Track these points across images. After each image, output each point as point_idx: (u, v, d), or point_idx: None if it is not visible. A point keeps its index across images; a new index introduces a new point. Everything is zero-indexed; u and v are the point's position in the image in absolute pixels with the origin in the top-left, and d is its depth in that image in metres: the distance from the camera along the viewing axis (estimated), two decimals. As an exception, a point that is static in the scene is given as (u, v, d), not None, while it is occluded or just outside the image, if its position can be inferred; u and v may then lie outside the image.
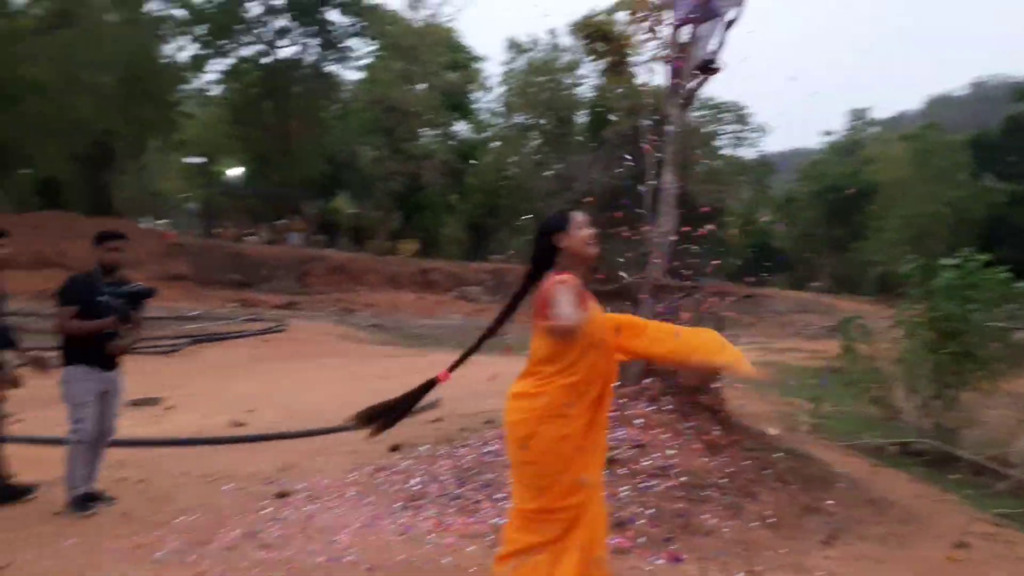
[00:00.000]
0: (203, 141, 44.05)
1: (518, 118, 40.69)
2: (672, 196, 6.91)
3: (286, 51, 35.18)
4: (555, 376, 3.36)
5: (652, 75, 7.86)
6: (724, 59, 6.85)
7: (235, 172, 44.28)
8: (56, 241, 25.12)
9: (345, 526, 5.14)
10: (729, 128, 50.95)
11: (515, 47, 38.99)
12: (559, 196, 34.48)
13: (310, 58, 35.75)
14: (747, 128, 51.65)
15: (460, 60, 39.26)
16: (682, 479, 5.55)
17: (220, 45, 34.02)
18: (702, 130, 44.40)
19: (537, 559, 3.32)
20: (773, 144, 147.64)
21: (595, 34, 6.64)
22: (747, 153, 53.19)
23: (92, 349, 5.43)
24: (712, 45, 6.86)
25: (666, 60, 6.97)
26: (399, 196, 39.05)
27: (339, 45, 35.23)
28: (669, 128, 6.95)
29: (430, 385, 3.63)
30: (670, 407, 6.31)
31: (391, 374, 11.82)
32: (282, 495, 5.80)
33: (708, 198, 34.63)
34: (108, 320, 5.38)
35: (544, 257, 3.50)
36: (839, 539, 5.28)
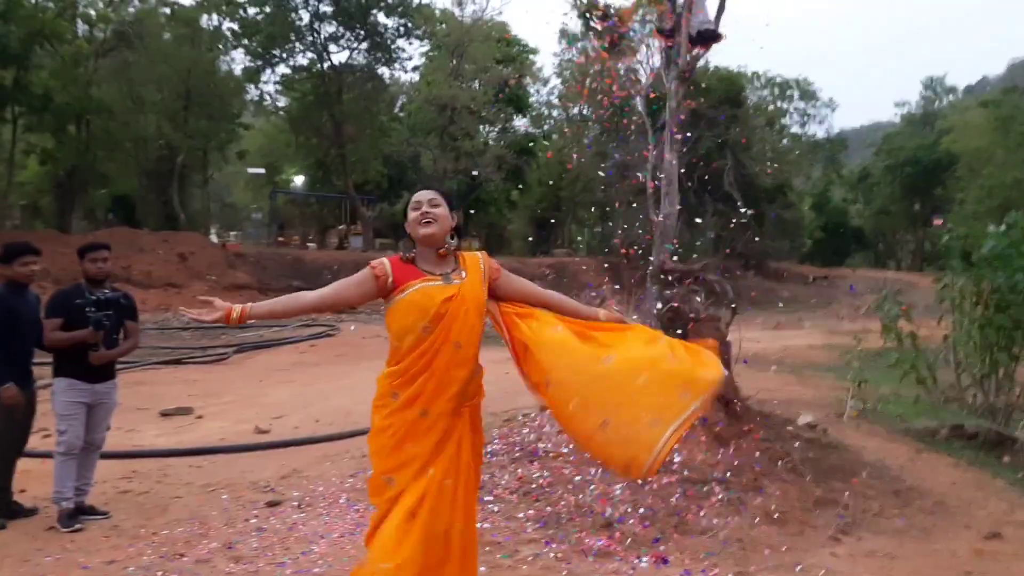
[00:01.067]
0: (266, 151, 44.95)
1: (575, 109, 40.24)
2: (675, 177, 6.55)
3: (337, 57, 35.57)
4: (387, 364, 3.19)
5: (651, 50, 7.46)
6: (723, 27, 6.47)
7: (298, 180, 45.05)
8: (121, 256, 25.79)
9: (325, 535, 4.99)
10: (796, 106, 49.53)
11: (567, 36, 38.64)
12: (619, 185, 34.02)
13: (361, 62, 36.00)
14: (815, 104, 50.16)
15: (512, 54, 39.07)
16: (682, 474, 5.24)
17: (272, 55, 34.54)
18: (768, 108, 43.32)
19: None
20: (847, 119, 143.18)
21: (592, 10, 6.30)
22: (816, 130, 51.61)
23: (77, 361, 5.39)
24: (710, 13, 6.48)
25: (662, 32, 6.61)
26: (459, 194, 39.03)
27: (389, 47, 35.35)
28: (669, 104, 6.58)
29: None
30: (677, 398, 5.97)
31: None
32: (272, 504, 5.68)
33: (772, 179, 33.77)
34: (85, 331, 5.32)
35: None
36: (850, 534, 4.90)
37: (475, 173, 34.69)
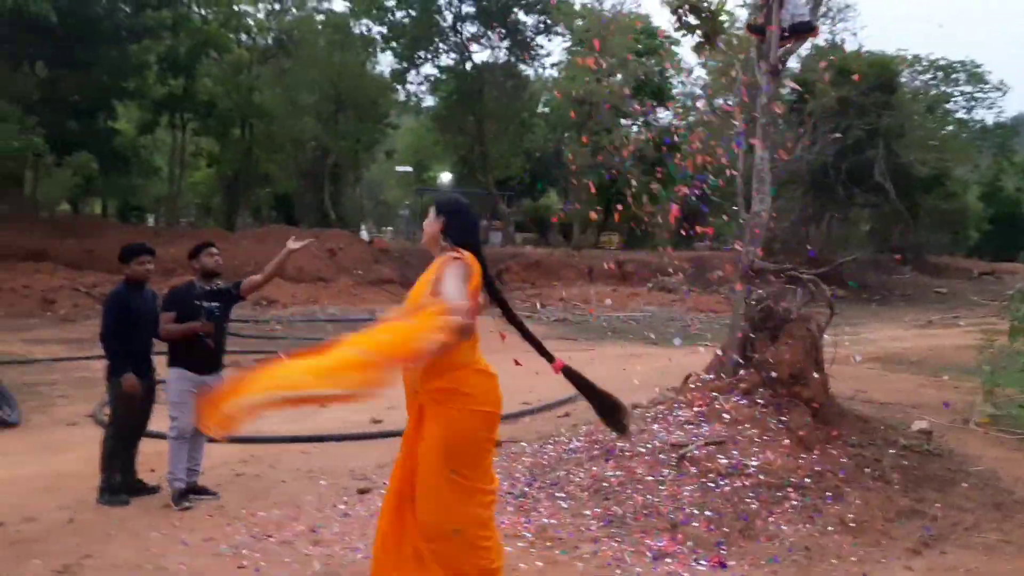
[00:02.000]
0: (415, 149, 46.39)
1: (720, 100, 39.28)
2: (766, 173, 6.39)
3: (479, 56, 36.39)
4: None
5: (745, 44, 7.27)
6: (818, 20, 6.25)
7: (445, 177, 46.27)
8: (275, 252, 27.29)
9: (402, 523, 5.22)
10: (962, 90, 46.25)
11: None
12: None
13: (501, 60, 36.66)
14: (984, 88, 46.68)
15: (654, 45, 38.59)
16: (758, 478, 5.15)
17: (418, 57, 35.68)
18: (929, 93, 40.79)
19: None
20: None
21: (684, 5, 6.12)
22: (985, 115, 48.08)
23: (189, 353, 5.86)
24: (805, 5, 6.28)
25: (753, 25, 6.46)
26: (599, 189, 39.00)
27: (528, 44, 35.83)
28: (760, 99, 6.43)
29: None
30: (763, 401, 5.87)
31: (544, 369, 11.78)
32: (363, 491, 5.98)
33: (930, 168, 31.79)
34: (196, 323, 5.77)
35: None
36: (933, 547, 4.68)
37: (616, 167, 34.57)
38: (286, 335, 18.41)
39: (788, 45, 6.38)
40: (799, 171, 30.00)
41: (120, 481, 6.00)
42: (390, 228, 56.10)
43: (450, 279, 3.28)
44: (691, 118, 46.96)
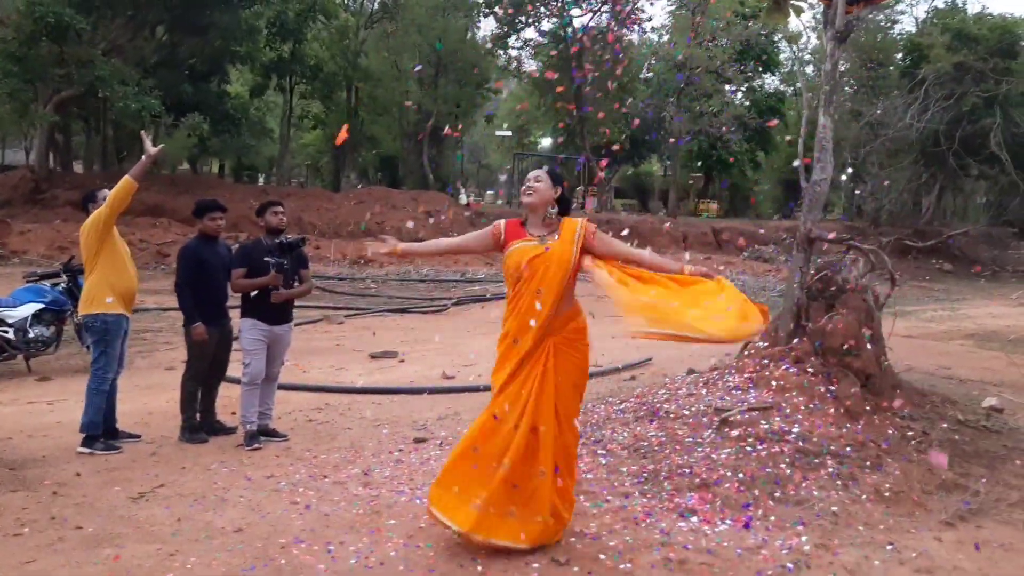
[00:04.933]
0: (516, 114, 46.52)
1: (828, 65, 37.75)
2: (828, 141, 6.30)
3: (579, 21, 36.12)
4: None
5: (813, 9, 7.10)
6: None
7: (546, 142, 46.34)
8: (375, 213, 28.10)
9: (449, 471, 5.50)
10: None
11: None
12: (871, 144, 31.80)
13: (602, 25, 36.32)
14: None
15: (760, 7, 37.38)
16: (797, 444, 5.19)
17: (518, 21, 35.72)
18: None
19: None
20: None
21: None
22: None
23: (259, 305, 6.24)
24: (876, -31, 6.12)
25: (820, -9, 6.33)
26: (700, 156, 38.46)
27: (630, 8, 35.40)
28: (824, 66, 6.32)
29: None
30: (813, 370, 5.87)
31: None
32: (419, 441, 6.29)
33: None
34: (266, 278, 6.14)
35: None
36: (969, 521, 4.65)
37: (717, 133, 33.98)
38: (378, 293, 19.06)
39: (855, 11, 6.23)
40: (908, 139, 28.85)
41: (200, 421, 6.49)
42: (490, 192, 56.63)
43: (621, 244, 4.20)
44: (798, 84, 45.62)
